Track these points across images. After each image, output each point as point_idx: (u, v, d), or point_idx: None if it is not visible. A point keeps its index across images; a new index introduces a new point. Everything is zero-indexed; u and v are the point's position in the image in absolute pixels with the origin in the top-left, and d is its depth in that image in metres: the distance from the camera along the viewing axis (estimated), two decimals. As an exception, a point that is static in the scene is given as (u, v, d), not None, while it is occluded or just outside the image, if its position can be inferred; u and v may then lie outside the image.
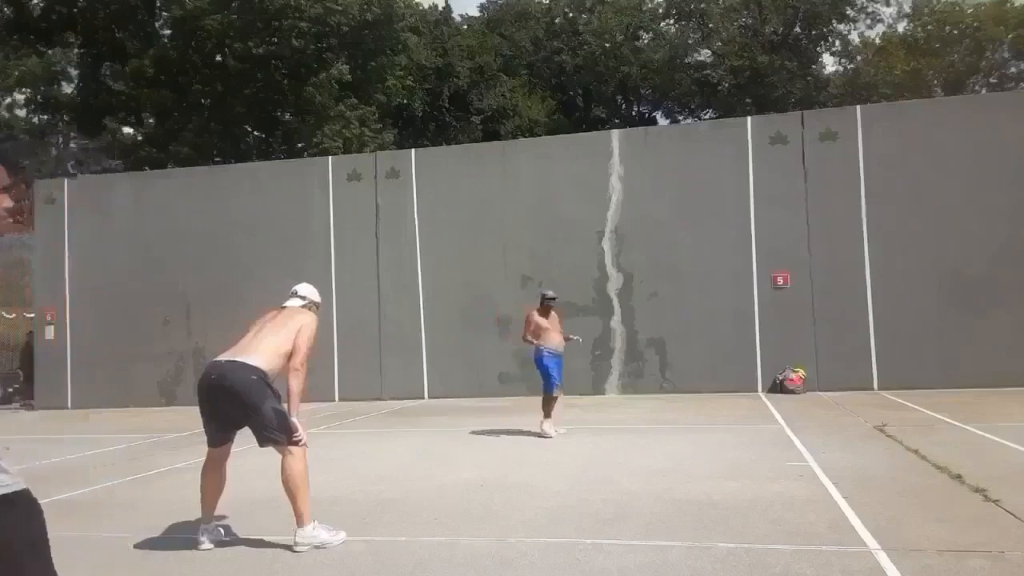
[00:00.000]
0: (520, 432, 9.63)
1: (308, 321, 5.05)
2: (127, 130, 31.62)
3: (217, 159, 29.15)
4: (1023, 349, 12.66)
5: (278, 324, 5.02)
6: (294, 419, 4.78)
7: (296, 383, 4.84)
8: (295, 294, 5.42)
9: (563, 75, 38.57)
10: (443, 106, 37.15)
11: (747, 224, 13.99)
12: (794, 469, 6.68)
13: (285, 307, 5.28)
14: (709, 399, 12.74)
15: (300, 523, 4.75)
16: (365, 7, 29.30)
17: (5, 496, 1.82)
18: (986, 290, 12.96)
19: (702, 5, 36.07)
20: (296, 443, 4.77)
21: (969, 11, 34.98)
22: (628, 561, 4.30)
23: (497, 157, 15.83)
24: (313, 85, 29.14)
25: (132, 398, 15.69)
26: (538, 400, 9.70)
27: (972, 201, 13.13)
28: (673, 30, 38.72)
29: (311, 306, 5.38)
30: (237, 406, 4.70)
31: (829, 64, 38.72)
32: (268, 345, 4.87)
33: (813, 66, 36.57)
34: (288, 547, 4.77)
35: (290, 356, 4.88)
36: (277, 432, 4.69)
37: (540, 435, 9.15)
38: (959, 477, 5.99)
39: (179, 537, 5.10)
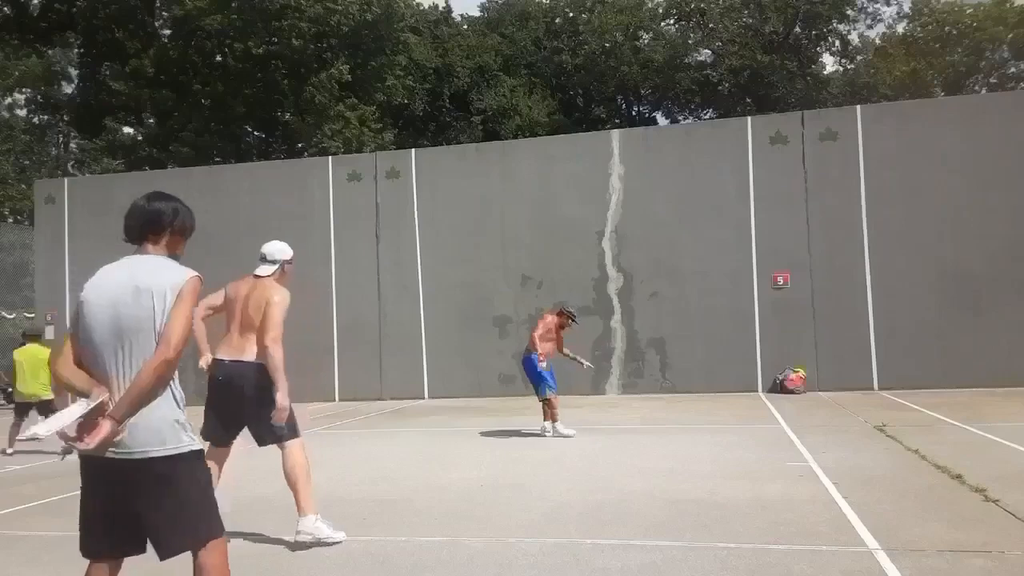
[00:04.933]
0: (520, 432, 9.63)
1: (277, 298, 4.82)
2: (127, 130, 31.62)
3: (217, 159, 29.15)
4: (1023, 349, 12.66)
5: (254, 309, 4.83)
6: (281, 395, 4.59)
7: (276, 354, 4.65)
8: (264, 259, 5.13)
9: (563, 75, 38.54)
10: (443, 106, 37.14)
11: (747, 224, 13.99)
12: (794, 469, 6.68)
13: (257, 276, 5.04)
14: (709, 399, 12.74)
15: (303, 513, 4.77)
16: (365, 7, 29.30)
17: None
18: (986, 290, 12.96)
19: (702, 5, 36.05)
20: (296, 434, 4.80)
21: (969, 11, 34.98)
22: (628, 561, 4.30)
23: (497, 157, 15.83)
24: (313, 85, 29.14)
25: (132, 398, 15.65)
26: (534, 402, 9.71)
27: (972, 201, 13.13)
28: (673, 30, 38.70)
29: (283, 266, 5.14)
30: (247, 408, 4.74)
31: (829, 64, 38.77)
32: (256, 336, 4.77)
33: (813, 66, 36.57)
34: (287, 547, 4.77)
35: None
36: (281, 428, 4.71)
37: (562, 436, 9.11)
38: (959, 477, 5.99)
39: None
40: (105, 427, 2.50)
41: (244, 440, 4.94)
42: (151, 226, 2.82)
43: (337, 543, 4.82)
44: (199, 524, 2.67)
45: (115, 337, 2.61)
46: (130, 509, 2.60)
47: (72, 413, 2.56)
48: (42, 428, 2.53)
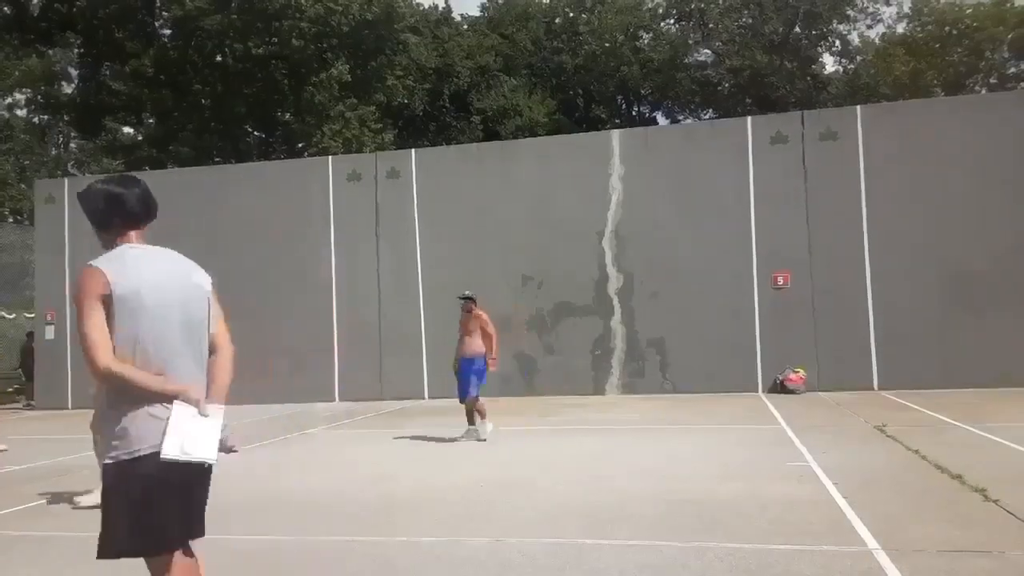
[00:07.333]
0: (520, 432, 9.64)
1: None
2: (127, 130, 31.63)
3: (217, 159, 29.15)
4: (1023, 349, 12.65)
5: None
6: None
7: None
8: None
9: (563, 75, 38.54)
10: (443, 106, 37.14)
11: (747, 224, 13.99)
12: (794, 469, 6.68)
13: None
14: (709, 399, 12.74)
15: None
16: (365, 7, 29.31)
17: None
18: (986, 290, 12.95)
19: (702, 5, 36.04)
20: None
21: (969, 11, 34.93)
22: (628, 561, 4.30)
23: (497, 157, 15.82)
24: (313, 85, 29.15)
25: (132, 398, 15.65)
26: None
27: (972, 201, 13.12)
28: (673, 30, 38.68)
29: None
30: None
31: (829, 64, 38.73)
32: None
33: (813, 66, 36.55)
34: (287, 546, 4.77)
35: None
36: None
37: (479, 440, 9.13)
38: (959, 477, 5.99)
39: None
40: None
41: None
42: (154, 209, 2.73)
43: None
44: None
45: (188, 338, 2.57)
46: (196, 496, 2.64)
47: (204, 424, 2.49)
48: (208, 449, 2.50)
